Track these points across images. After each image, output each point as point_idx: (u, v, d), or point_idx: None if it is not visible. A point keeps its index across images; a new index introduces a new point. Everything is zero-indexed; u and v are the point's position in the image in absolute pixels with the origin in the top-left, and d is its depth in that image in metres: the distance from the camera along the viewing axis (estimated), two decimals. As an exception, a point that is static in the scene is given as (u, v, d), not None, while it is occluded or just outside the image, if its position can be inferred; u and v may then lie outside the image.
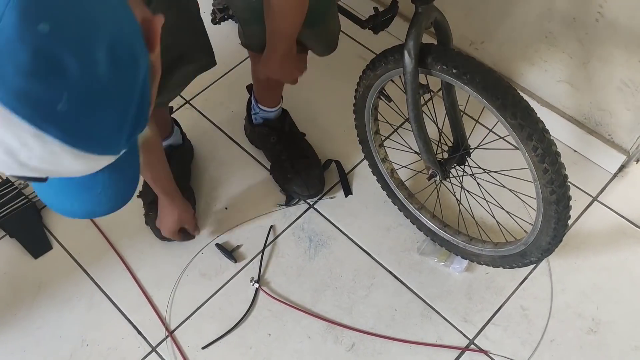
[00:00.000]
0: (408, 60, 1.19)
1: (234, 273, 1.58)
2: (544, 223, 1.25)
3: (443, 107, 1.34)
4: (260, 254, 1.60)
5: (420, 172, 1.61)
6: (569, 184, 1.20)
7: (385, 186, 1.59)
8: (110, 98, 0.54)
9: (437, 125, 1.42)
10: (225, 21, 1.84)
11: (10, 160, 0.51)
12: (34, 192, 1.70)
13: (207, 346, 1.48)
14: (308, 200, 1.67)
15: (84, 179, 0.59)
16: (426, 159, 1.36)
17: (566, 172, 1.18)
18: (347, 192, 1.68)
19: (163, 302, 1.55)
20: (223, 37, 1.84)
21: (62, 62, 0.49)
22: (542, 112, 1.61)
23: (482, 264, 1.50)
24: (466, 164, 1.42)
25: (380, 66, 1.29)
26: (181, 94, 1.87)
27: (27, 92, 0.48)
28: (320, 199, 1.68)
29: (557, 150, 1.16)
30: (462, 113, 1.36)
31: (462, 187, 1.50)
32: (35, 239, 1.65)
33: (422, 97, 1.26)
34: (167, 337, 1.50)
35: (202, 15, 1.28)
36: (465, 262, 1.53)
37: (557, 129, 1.67)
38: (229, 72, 1.94)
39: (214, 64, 1.35)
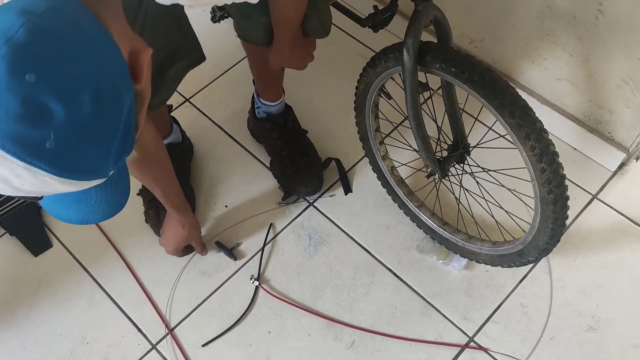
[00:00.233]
0: (407, 58, 1.19)
1: (234, 271, 1.58)
2: (541, 223, 1.25)
3: (443, 105, 1.34)
4: (260, 252, 1.60)
5: (420, 170, 1.61)
6: (566, 183, 1.19)
7: (385, 184, 1.59)
8: (95, 133, 0.58)
9: (436, 124, 1.41)
10: (225, 19, 1.83)
11: (5, 186, 0.58)
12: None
13: (207, 344, 1.48)
14: (308, 198, 1.67)
15: (77, 193, 0.64)
16: (425, 157, 1.36)
17: (564, 172, 1.18)
18: (347, 190, 1.69)
19: (163, 299, 1.55)
20: (222, 35, 1.84)
21: (49, 107, 0.54)
22: (541, 110, 1.61)
23: (480, 263, 1.50)
24: (465, 162, 1.42)
25: (380, 64, 1.29)
26: (181, 92, 1.88)
27: (17, 134, 0.54)
28: (320, 197, 1.68)
29: (555, 150, 1.16)
30: (461, 111, 1.36)
31: (461, 186, 1.50)
32: (35, 237, 1.65)
33: (421, 95, 1.26)
34: (167, 334, 1.50)
35: (202, 13, 1.28)
36: (464, 261, 1.53)
37: (557, 127, 1.67)
38: (228, 70, 1.94)
39: (204, 58, 1.36)
